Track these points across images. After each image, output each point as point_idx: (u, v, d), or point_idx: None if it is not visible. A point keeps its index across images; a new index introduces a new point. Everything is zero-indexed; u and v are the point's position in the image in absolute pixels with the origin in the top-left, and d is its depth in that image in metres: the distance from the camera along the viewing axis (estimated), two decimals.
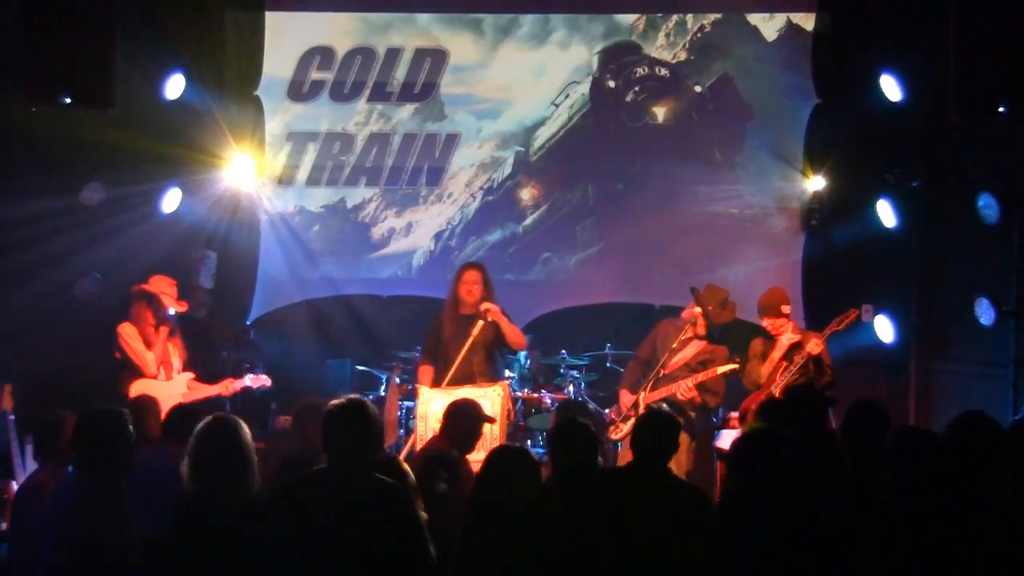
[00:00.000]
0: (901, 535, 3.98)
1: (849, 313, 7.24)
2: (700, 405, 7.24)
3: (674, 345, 7.21)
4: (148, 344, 7.32)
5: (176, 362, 7.42)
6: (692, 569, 4.33)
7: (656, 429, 4.88)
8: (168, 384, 7.30)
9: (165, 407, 5.94)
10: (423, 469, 5.14)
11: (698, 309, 7.22)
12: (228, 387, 7.45)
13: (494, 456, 4.47)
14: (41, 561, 4.68)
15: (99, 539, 4.49)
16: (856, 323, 7.50)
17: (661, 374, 7.18)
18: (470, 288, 7.30)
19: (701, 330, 7.23)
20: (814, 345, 7.03)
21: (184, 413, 5.45)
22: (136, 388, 7.10)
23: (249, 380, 7.56)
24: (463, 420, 5.91)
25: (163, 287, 7.48)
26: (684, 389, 7.08)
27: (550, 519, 4.28)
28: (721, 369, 7.09)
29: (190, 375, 7.47)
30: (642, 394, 7.18)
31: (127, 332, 7.30)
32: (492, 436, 6.67)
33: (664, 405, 6.74)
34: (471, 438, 5.92)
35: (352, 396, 4.38)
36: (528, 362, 9.05)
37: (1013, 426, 4.85)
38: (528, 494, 4.30)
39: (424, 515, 4.39)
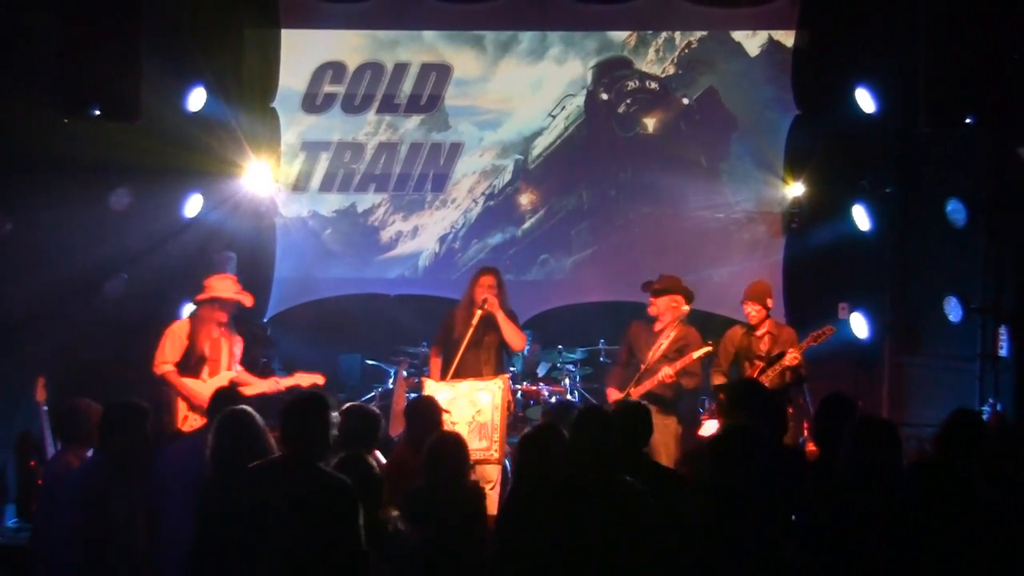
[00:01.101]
0: (861, 519, 4.01)
1: (826, 330, 7.29)
2: (680, 388, 7.23)
3: (652, 341, 7.27)
4: (199, 346, 6.87)
5: (225, 359, 7.00)
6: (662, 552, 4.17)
7: (625, 417, 4.83)
8: (208, 384, 6.80)
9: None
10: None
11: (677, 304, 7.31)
12: (276, 384, 6.96)
13: (529, 436, 4.42)
14: (56, 536, 4.77)
15: (107, 514, 4.57)
16: (833, 323, 7.58)
17: (642, 370, 7.22)
18: (485, 291, 7.19)
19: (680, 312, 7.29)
20: (791, 359, 7.12)
21: (226, 398, 5.24)
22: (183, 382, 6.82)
23: (298, 377, 6.95)
24: (422, 419, 5.67)
25: (228, 288, 7.09)
26: (665, 374, 7.12)
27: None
28: (696, 354, 7.13)
29: (232, 373, 7.01)
30: (629, 391, 7.20)
31: (174, 330, 6.90)
32: (494, 425, 6.73)
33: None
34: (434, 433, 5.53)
35: (315, 392, 4.31)
36: (530, 355, 9.13)
37: (999, 425, 4.90)
38: (563, 465, 4.20)
39: (390, 512, 4.19)
